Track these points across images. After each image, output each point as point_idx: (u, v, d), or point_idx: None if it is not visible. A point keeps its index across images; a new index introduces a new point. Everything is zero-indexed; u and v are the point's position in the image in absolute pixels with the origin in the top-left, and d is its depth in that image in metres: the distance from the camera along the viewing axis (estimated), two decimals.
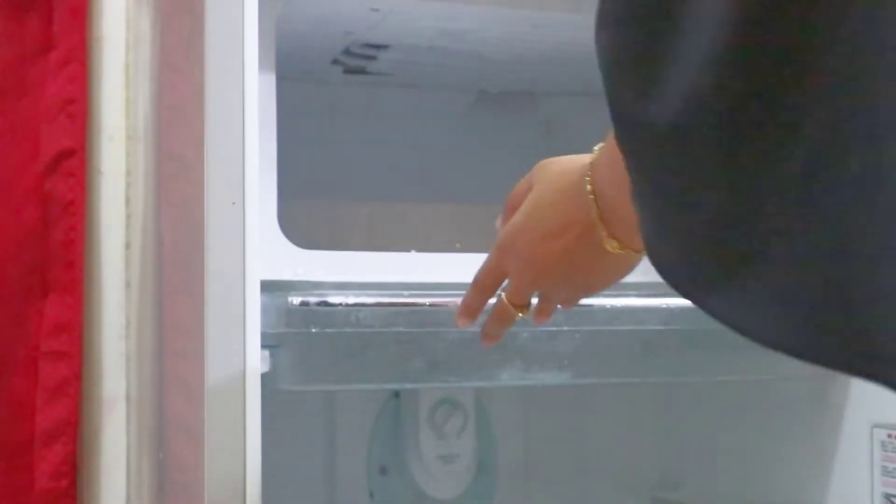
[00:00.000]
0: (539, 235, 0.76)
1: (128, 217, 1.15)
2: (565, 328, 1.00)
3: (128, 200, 1.16)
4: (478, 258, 0.78)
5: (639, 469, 1.42)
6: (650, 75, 0.51)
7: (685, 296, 0.55)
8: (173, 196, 1.07)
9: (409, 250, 1.00)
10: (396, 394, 1.29)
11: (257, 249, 0.85)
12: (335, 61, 1.21)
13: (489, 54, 1.19)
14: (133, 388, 1.13)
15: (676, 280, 0.55)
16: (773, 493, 1.19)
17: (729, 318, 0.53)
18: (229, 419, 0.83)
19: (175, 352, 1.05)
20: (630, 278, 0.76)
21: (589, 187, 0.70)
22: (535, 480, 1.40)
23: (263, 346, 0.86)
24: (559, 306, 0.84)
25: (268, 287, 0.87)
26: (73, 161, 1.12)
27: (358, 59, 1.21)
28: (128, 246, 1.15)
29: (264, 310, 0.86)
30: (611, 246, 0.71)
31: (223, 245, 0.86)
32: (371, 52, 1.18)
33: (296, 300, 0.93)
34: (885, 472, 1.04)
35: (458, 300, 0.83)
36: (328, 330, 0.93)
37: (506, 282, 0.81)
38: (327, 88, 1.30)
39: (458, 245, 1.06)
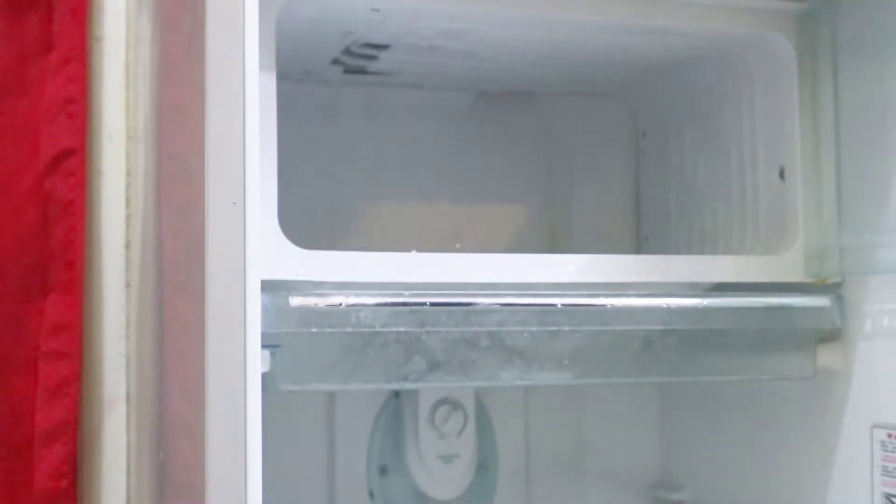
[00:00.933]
0: None
1: (128, 217, 1.15)
2: (565, 328, 1.00)
3: (128, 200, 1.16)
4: (478, 258, 0.78)
5: (639, 469, 1.42)
6: None
7: None
8: (173, 196, 1.07)
9: (409, 250, 1.00)
10: (396, 394, 1.29)
11: (257, 249, 0.85)
12: (335, 61, 1.21)
13: (489, 54, 1.19)
14: (133, 388, 1.14)
15: None
16: (773, 492, 1.19)
17: None
18: (229, 419, 0.83)
19: (175, 352, 1.04)
20: (630, 278, 0.76)
21: None
22: (535, 480, 1.40)
23: (263, 346, 0.86)
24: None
25: (268, 287, 0.87)
26: (73, 161, 1.12)
27: (358, 59, 1.21)
28: (128, 246, 1.15)
29: (264, 310, 0.86)
30: None
31: (223, 245, 0.86)
32: (371, 52, 1.18)
33: (296, 300, 0.93)
34: (885, 472, 1.04)
35: (459, 300, 0.83)
36: (328, 330, 0.93)
37: None
38: (327, 88, 1.30)
39: (458, 245, 1.06)
